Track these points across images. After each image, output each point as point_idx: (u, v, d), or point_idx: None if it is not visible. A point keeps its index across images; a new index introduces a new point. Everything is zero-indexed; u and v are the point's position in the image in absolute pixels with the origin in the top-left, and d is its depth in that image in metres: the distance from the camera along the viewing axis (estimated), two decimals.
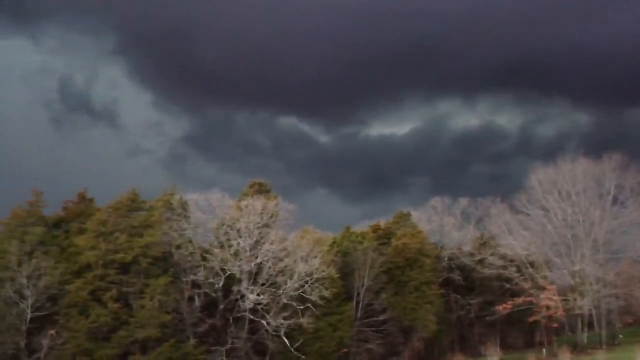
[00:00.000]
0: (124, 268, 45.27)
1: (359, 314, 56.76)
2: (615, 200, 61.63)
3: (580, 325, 59.88)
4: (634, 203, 61.67)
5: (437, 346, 67.31)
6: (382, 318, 57.74)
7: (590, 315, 60.77)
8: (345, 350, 55.29)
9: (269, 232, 49.48)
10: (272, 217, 50.89)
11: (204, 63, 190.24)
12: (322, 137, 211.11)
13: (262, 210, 49.89)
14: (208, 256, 48.13)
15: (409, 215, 67.40)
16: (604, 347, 59.23)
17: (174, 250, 48.81)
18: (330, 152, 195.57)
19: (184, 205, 51.23)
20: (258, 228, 49.13)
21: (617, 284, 64.30)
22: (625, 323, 78.40)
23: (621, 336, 66.87)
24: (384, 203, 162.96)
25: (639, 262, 67.41)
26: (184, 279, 47.96)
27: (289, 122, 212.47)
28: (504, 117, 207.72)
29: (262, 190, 55.24)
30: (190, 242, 49.35)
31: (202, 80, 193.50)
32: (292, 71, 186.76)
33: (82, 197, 51.66)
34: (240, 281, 47.91)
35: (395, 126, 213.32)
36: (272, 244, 48.54)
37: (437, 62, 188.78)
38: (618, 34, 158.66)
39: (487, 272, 64.28)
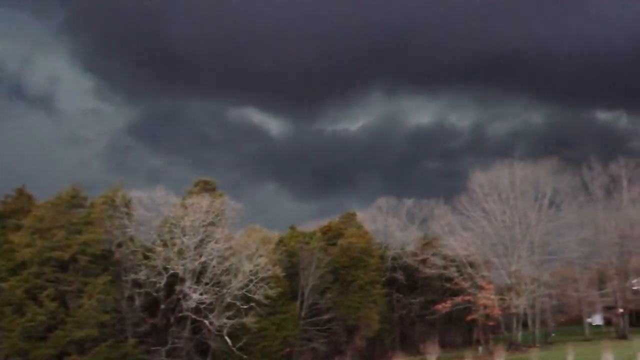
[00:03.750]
0: (62, 266, 43.93)
1: (303, 313, 57.02)
2: (550, 203, 64.39)
3: (515, 324, 62.09)
4: (568, 206, 64.63)
5: (379, 344, 68.46)
6: (326, 317, 58.22)
7: (525, 314, 63.20)
8: (289, 349, 55.45)
9: (215, 231, 49.03)
10: (217, 215, 50.41)
11: (154, 48, 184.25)
12: (274, 130, 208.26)
13: (208, 208, 49.37)
14: (150, 254, 47.25)
15: (354, 215, 68.21)
16: (538, 345, 61.67)
17: (114, 248, 47.70)
18: (282, 146, 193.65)
19: (127, 203, 50.09)
20: (203, 226, 48.56)
21: (551, 284, 67.10)
22: (558, 322, 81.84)
23: (554, 334, 69.91)
24: (335, 199, 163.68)
25: (573, 263, 70.34)
26: (125, 278, 46.92)
27: (240, 114, 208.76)
28: (458, 114, 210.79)
29: (207, 188, 54.62)
30: (132, 240, 48.32)
31: (151, 65, 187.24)
32: (246, 61, 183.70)
33: (21, 193, 49.86)
34: (183, 280, 47.26)
35: (351, 121, 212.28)
36: (217, 242, 48.10)
37: (400, 58, 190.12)
38: (581, 35, 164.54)
39: (428, 271, 65.79)
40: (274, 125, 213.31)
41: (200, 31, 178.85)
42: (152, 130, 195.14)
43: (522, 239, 62.49)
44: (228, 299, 47.61)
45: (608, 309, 72.78)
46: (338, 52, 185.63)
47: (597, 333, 71.39)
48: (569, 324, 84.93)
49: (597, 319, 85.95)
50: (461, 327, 75.42)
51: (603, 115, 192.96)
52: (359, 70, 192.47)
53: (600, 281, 71.64)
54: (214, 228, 49.16)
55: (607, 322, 79.93)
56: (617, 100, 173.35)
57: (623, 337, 62.29)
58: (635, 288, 71.51)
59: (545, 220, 63.51)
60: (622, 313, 66.28)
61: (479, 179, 64.39)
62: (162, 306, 47.72)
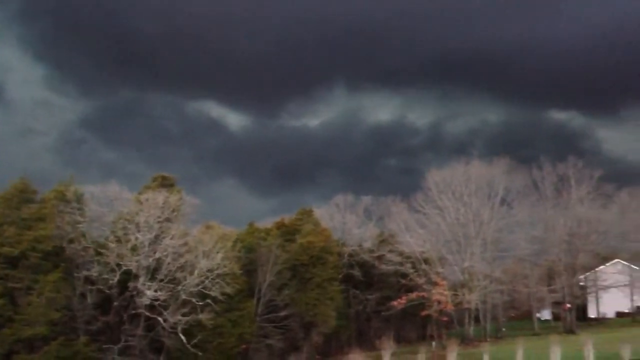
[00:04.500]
0: (11, 262, 42.66)
1: (260, 310, 56.93)
2: (503, 201, 66.19)
3: (467, 319, 63.55)
4: (519, 204, 66.57)
5: (336, 340, 68.98)
6: (283, 314, 58.22)
7: (477, 310, 64.77)
8: (245, 346, 55.29)
9: (170, 227, 48.43)
10: (173, 211, 49.80)
11: (110, 39, 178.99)
12: (234, 125, 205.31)
13: (163, 203, 48.71)
14: (103, 251, 46.32)
15: (310, 211, 68.37)
16: (489, 339, 63.24)
17: (65, 245, 46.55)
18: (242, 142, 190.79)
19: (79, 198, 48.97)
20: (158, 222, 47.84)
21: (503, 280, 69.04)
22: (509, 317, 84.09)
23: (504, 329, 71.83)
24: (295, 196, 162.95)
25: (523, 260, 72.42)
26: (76, 275, 45.88)
27: (200, 108, 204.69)
28: (418, 112, 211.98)
29: (165, 183, 53.81)
30: (84, 235, 47.26)
31: (107, 57, 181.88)
32: (207, 54, 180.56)
33: None
34: (137, 277, 46.52)
35: (312, 117, 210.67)
36: (172, 238, 47.53)
37: (363, 54, 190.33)
38: (540, 36, 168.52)
39: (385, 268, 66.73)
40: (234, 120, 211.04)
41: (159, 23, 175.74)
42: (107, 124, 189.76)
43: (475, 236, 64.01)
44: (183, 296, 47.08)
45: (556, 304, 75.24)
46: (301, 47, 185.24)
47: (546, 328, 73.76)
48: (519, 319, 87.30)
49: (545, 314, 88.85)
50: (416, 323, 76.63)
51: (557, 115, 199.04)
52: (322, 66, 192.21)
53: (549, 277, 74.04)
54: (170, 224, 48.57)
55: (556, 317, 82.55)
56: (571, 100, 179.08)
57: (570, 331, 64.45)
58: (582, 284, 74.24)
59: (497, 218, 65.22)
60: (569, 308, 68.60)
61: (435, 177, 65.63)
62: (115, 303, 46.89)
